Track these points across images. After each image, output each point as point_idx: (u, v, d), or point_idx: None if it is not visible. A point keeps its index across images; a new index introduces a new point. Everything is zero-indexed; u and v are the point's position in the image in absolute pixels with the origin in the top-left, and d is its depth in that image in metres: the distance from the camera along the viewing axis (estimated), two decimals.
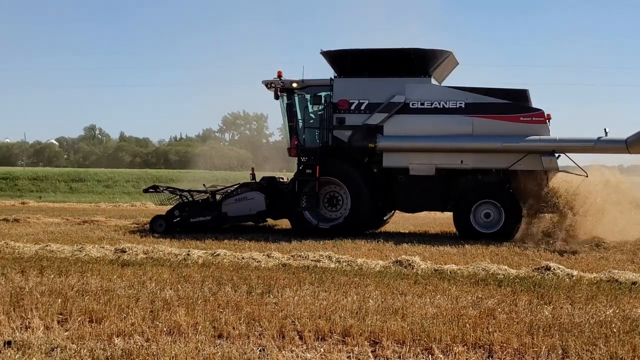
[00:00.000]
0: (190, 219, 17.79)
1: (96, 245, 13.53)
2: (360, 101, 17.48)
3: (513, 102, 16.78)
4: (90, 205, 32.14)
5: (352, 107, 17.53)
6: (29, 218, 20.91)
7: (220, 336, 7.15)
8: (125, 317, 7.72)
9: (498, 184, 16.95)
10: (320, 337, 7.18)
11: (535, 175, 16.58)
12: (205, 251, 12.95)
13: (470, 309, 8.39)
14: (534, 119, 16.51)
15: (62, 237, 15.66)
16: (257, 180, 18.66)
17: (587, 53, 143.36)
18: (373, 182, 17.65)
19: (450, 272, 11.10)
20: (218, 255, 12.51)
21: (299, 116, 18.33)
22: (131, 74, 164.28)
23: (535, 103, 17.00)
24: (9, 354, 6.31)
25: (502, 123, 16.60)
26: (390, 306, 8.44)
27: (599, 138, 16.41)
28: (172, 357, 6.30)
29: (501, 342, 6.92)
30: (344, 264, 11.89)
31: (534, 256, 13.41)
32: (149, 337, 7.00)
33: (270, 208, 17.76)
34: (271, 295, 9.03)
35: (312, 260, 12.18)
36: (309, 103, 18.27)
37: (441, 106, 17.02)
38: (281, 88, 17.96)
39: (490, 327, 7.45)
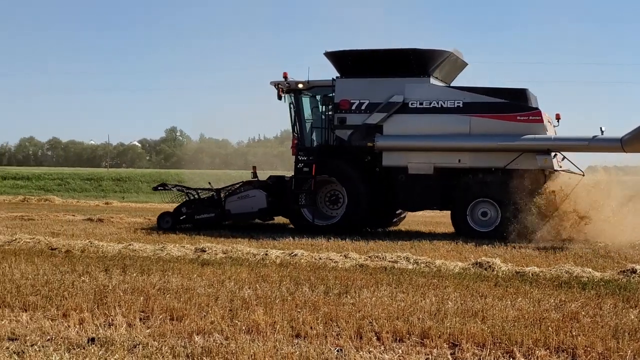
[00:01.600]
0: (196, 216, 18.40)
1: (177, 245, 13.76)
2: (361, 101, 17.74)
3: (510, 102, 16.83)
4: (171, 205, 32.64)
5: (353, 107, 17.80)
6: (112, 218, 21.44)
7: (297, 336, 7.16)
8: (205, 315, 7.81)
9: (495, 182, 16.84)
10: (398, 338, 7.11)
11: (533, 175, 16.52)
12: (282, 251, 13.02)
13: (553, 312, 8.18)
14: (530, 118, 16.58)
15: (144, 236, 15.98)
16: (265, 178, 19.02)
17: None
18: (372, 182, 17.80)
19: (532, 275, 10.85)
20: (295, 255, 12.56)
21: (306, 116, 18.66)
22: (211, 77, 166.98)
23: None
24: (92, 350, 6.45)
25: (499, 122, 16.72)
26: (469, 308, 8.30)
27: (594, 137, 16.51)
28: (251, 356, 6.33)
29: (585, 346, 6.72)
30: (422, 265, 11.77)
31: (619, 259, 13.01)
32: (228, 335, 7.06)
33: (272, 206, 18.15)
34: (348, 296, 9.00)
35: (389, 261, 12.10)
36: (318, 103, 18.58)
37: (439, 106, 17.19)
38: (287, 89, 18.29)
39: (574, 330, 7.24)
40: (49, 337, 6.85)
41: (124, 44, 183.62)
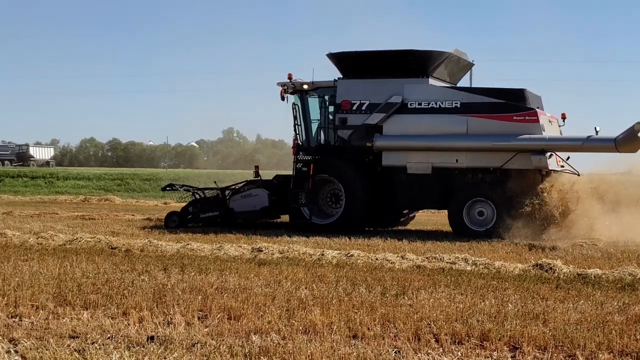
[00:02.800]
0: (201, 215, 18.83)
1: (234, 244, 13.84)
2: (362, 102, 17.96)
3: (506, 102, 16.87)
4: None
5: (354, 108, 18.03)
6: None
7: (355, 336, 7.11)
8: (262, 315, 7.82)
9: (491, 182, 16.96)
10: (457, 340, 7.01)
11: (529, 174, 16.68)
12: (339, 251, 12.99)
13: (617, 315, 7.98)
14: (526, 118, 16.60)
15: (201, 236, 16.12)
16: (271, 178, 19.37)
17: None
18: (371, 181, 17.94)
19: (594, 277, 10.60)
20: (352, 255, 12.51)
21: (311, 116, 18.92)
22: (267, 77, 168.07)
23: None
24: (152, 348, 6.51)
25: (495, 122, 16.80)
26: (530, 311, 8.14)
27: (588, 137, 16.58)
28: (308, 356, 6.31)
29: None
30: (481, 266, 11.60)
31: None
32: (285, 335, 7.05)
33: (275, 205, 18.50)
34: (406, 297, 8.92)
35: (447, 262, 11.96)
36: (321, 104, 18.82)
37: (437, 106, 17.32)
38: (293, 90, 18.65)
39: (638, 334, 7.05)
40: (109, 335, 6.94)
41: (178, 45, 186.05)
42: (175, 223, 18.63)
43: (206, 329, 7.27)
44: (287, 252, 13.00)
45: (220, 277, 10.14)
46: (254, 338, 6.93)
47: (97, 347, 6.54)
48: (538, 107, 17.35)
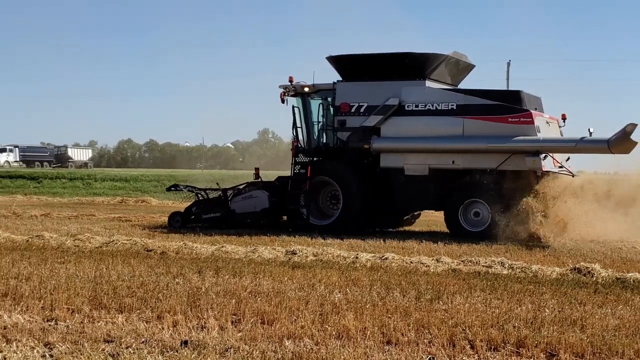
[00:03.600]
0: (203, 215, 19.16)
1: (268, 247, 13.83)
2: (360, 104, 18.19)
3: (502, 103, 16.99)
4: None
5: (353, 110, 18.27)
6: None
7: (388, 342, 7.06)
8: (295, 319, 7.79)
9: (486, 183, 17.01)
10: (492, 347, 6.93)
11: (525, 175, 16.77)
12: (373, 254, 12.92)
13: None
14: (521, 119, 16.70)
15: (236, 238, 16.15)
16: (273, 179, 19.65)
17: None
18: (370, 183, 18.11)
19: (633, 281, 10.41)
20: (386, 258, 12.43)
21: (312, 119, 19.21)
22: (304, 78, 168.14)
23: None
24: (185, 353, 6.52)
25: (491, 124, 16.94)
26: (567, 316, 8.01)
27: (581, 138, 16.67)
28: None
29: None
30: (518, 270, 11.45)
31: None
32: (319, 340, 7.02)
33: (275, 206, 18.70)
34: (440, 302, 8.84)
35: (483, 265, 11.83)
36: (321, 106, 19.13)
37: (434, 108, 17.51)
38: (294, 92, 18.97)
39: None
40: (143, 340, 6.97)
41: (215, 47, 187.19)
42: (178, 223, 18.99)
43: (239, 334, 7.26)
44: (321, 255, 12.96)
45: (254, 281, 10.14)
46: (287, 343, 6.91)
47: (132, 352, 6.56)
48: (536, 109, 17.49)
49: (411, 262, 12.12)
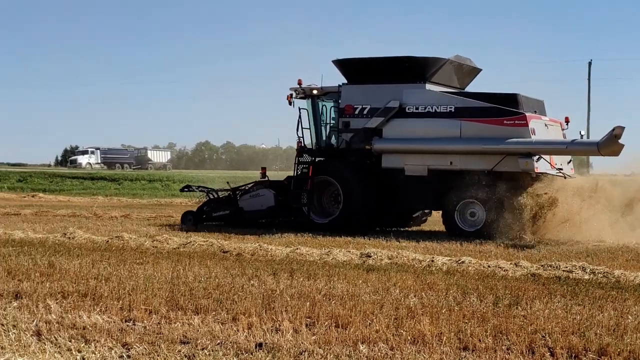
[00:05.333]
0: (213, 213, 19.92)
1: (342, 249, 13.77)
2: (364, 106, 18.75)
3: (497, 106, 17.40)
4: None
5: (357, 112, 18.84)
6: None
7: (465, 348, 6.92)
8: (370, 323, 7.72)
9: (481, 184, 17.32)
10: (573, 354, 6.72)
11: (519, 177, 17.23)
12: (449, 258, 12.73)
13: None
14: (516, 122, 17.12)
15: (310, 240, 16.17)
16: (282, 179, 20.27)
17: None
18: (372, 183, 18.63)
19: None
20: (463, 262, 12.23)
21: (321, 120, 19.84)
22: None
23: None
24: (260, 356, 6.53)
25: (487, 126, 17.38)
26: None
27: (572, 141, 17.51)
28: None
29: None
30: (599, 275, 11.10)
31: None
32: (394, 345, 6.93)
33: (281, 204, 19.32)
34: (519, 307, 8.63)
35: (563, 270, 11.51)
36: (329, 108, 19.90)
37: (433, 110, 17.99)
38: (303, 94, 19.59)
39: None
40: (218, 341, 7.01)
41: (291, 46, 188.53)
42: (190, 222, 19.58)
43: (314, 337, 7.23)
44: (396, 257, 12.84)
45: (328, 283, 10.11)
46: (361, 347, 6.85)
47: (207, 354, 6.61)
48: (536, 112, 17.90)
49: (488, 266, 11.90)
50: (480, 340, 7.07)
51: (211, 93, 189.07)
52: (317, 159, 19.50)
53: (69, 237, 15.47)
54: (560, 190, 16.91)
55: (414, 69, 18.39)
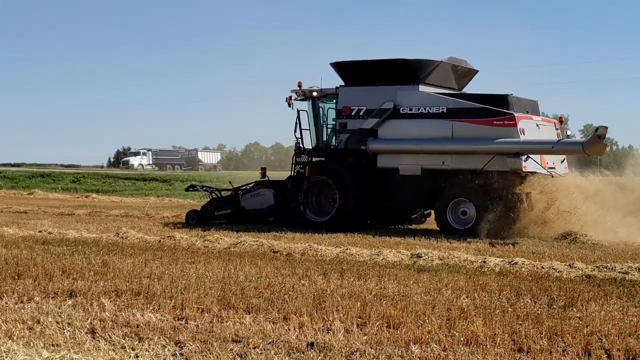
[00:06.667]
0: (215, 212, 20.48)
1: (393, 250, 13.70)
2: (360, 107, 19.24)
3: (487, 107, 17.77)
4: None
5: (353, 113, 19.35)
6: None
7: (519, 350, 6.81)
8: (421, 324, 7.66)
9: (472, 183, 17.67)
10: (630, 357, 6.60)
11: (508, 176, 17.46)
12: (502, 259, 12.56)
13: None
14: (505, 122, 17.49)
15: (360, 240, 16.13)
16: (283, 179, 20.70)
17: None
18: (368, 182, 19.05)
19: None
20: (516, 263, 12.06)
21: (321, 121, 20.36)
22: None
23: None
24: (311, 355, 6.52)
25: (477, 126, 17.76)
26: None
27: (558, 141, 18.03)
28: None
29: None
30: None
31: None
32: (446, 346, 6.86)
33: (280, 204, 19.89)
34: (574, 309, 8.47)
35: (619, 272, 11.27)
36: (326, 110, 20.41)
37: (426, 111, 18.41)
38: (303, 96, 20.16)
39: None
40: (270, 340, 7.02)
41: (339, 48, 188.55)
42: (194, 220, 20.21)
43: (365, 337, 7.20)
44: (447, 258, 12.73)
45: (379, 284, 10.06)
46: (413, 348, 6.79)
47: (259, 352, 6.62)
48: (528, 112, 18.28)
49: (542, 268, 11.72)
50: (535, 342, 6.96)
51: (260, 95, 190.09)
52: (314, 159, 20.09)
53: (122, 237, 15.69)
54: (550, 188, 17.25)
55: (407, 71, 18.91)
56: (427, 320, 7.76)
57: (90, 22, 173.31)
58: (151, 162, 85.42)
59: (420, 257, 12.88)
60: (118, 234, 16.13)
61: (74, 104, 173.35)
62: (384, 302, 8.69)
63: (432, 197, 18.49)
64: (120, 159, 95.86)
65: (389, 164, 18.93)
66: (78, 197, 36.65)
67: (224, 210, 20.52)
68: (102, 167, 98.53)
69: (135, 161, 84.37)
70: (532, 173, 17.63)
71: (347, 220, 18.85)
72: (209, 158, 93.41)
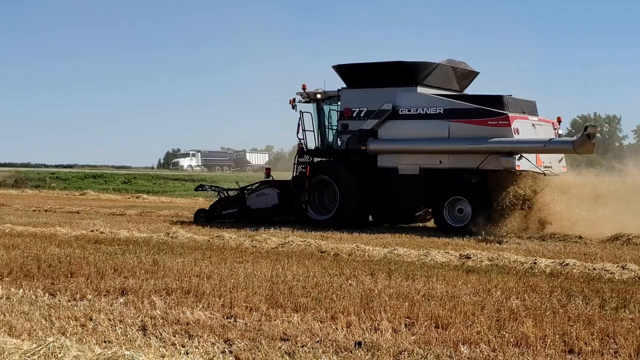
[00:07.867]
0: (223, 211, 21.31)
1: (441, 250, 13.62)
2: (360, 109, 19.80)
3: (482, 107, 18.16)
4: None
5: (354, 115, 19.91)
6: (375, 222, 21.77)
7: (571, 351, 6.73)
8: (470, 324, 7.60)
9: (467, 182, 18.42)
10: None
11: (503, 175, 17.90)
12: (552, 260, 12.39)
13: None
14: (499, 122, 17.89)
15: (408, 241, 16.07)
16: (288, 179, 21.23)
17: None
18: (366, 182, 19.55)
19: None
20: (567, 265, 11.88)
21: (325, 122, 20.99)
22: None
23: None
24: (359, 354, 6.52)
25: (473, 126, 18.16)
26: None
27: (549, 140, 18.27)
28: None
29: None
30: None
31: None
32: (495, 347, 6.80)
33: (284, 203, 20.44)
34: (627, 311, 8.33)
35: None
36: (330, 111, 20.99)
37: (424, 112, 18.92)
38: (308, 98, 20.85)
39: None
40: (318, 339, 7.04)
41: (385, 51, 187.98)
42: (202, 219, 20.94)
43: (413, 337, 7.17)
44: (497, 259, 12.60)
45: (427, 284, 10.01)
46: (462, 349, 6.75)
47: (307, 351, 6.65)
48: (524, 112, 18.69)
49: (594, 269, 11.53)
50: (586, 344, 6.86)
51: None
52: (315, 160, 20.74)
53: (172, 237, 15.86)
54: (544, 187, 17.65)
55: (406, 73, 19.41)
56: (476, 321, 7.71)
57: (141, 24, 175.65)
58: (200, 163, 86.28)
59: (469, 257, 12.78)
60: (168, 233, 16.32)
61: (126, 106, 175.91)
62: (432, 303, 8.65)
63: (429, 195, 19.01)
64: (170, 160, 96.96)
65: (389, 164, 19.45)
66: (129, 198, 37.20)
67: (231, 209, 21.28)
68: (152, 168, 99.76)
69: (184, 162, 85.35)
70: (525, 172, 17.94)
71: (347, 218, 19.41)
72: (257, 159, 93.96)
